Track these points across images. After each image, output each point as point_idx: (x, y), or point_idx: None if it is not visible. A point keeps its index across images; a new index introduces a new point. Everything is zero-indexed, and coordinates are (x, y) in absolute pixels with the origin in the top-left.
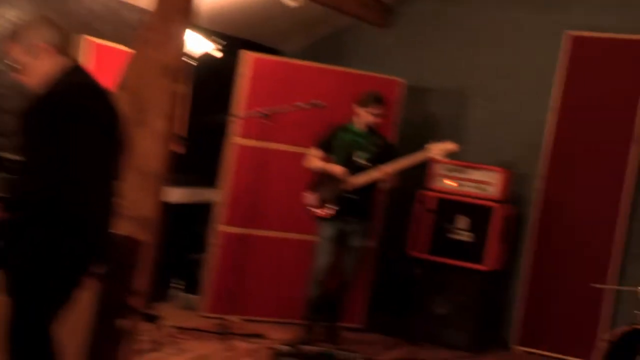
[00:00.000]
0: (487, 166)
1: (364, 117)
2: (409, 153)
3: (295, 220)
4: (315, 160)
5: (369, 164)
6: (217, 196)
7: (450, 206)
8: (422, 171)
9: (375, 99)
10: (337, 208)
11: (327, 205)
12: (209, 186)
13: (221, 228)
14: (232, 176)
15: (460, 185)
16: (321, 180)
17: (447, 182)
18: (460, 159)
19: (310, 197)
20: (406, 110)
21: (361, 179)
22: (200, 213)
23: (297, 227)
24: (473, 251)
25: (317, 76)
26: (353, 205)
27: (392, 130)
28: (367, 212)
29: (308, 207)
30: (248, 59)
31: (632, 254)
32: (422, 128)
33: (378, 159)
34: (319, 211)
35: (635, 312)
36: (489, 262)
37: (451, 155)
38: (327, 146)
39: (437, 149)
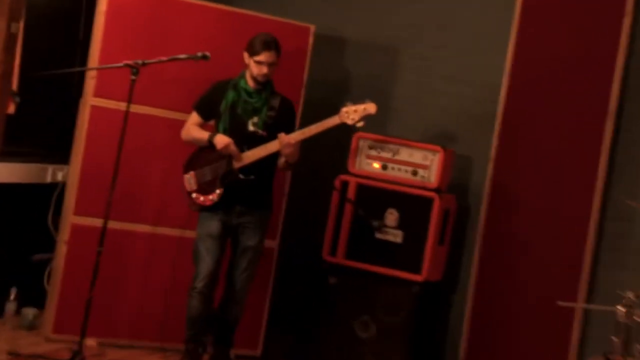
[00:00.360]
0: (421, 144)
1: (253, 69)
2: (318, 119)
3: (174, 210)
4: (193, 129)
5: (263, 133)
6: (65, 176)
7: (376, 196)
8: (341, 151)
9: (264, 44)
10: (221, 193)
11: (208, 189)
12: (54, 162)
13: (72, 219)
14: (87, 149)
15: (387, 168)
16: (201, 156)
17: (373, 164)
18: (388, 134)
19: (187, 179)
20: (317, 66)
21: (255, 153)
22: (42, 199)
23: (176, 220)
24: (405, 256)
25: (201, 18)
26: (245, 190)
27: (298, 89)
28: (264, 199)
29: (186, 193)
30: None
31: (604, 262)
32: (336, 89)
33: (276, 126)
34: (198, 198)
35: (612, 337)
36: (426, 270)
37: (376, 128)
38: (210, 110)
39: (353, 112)
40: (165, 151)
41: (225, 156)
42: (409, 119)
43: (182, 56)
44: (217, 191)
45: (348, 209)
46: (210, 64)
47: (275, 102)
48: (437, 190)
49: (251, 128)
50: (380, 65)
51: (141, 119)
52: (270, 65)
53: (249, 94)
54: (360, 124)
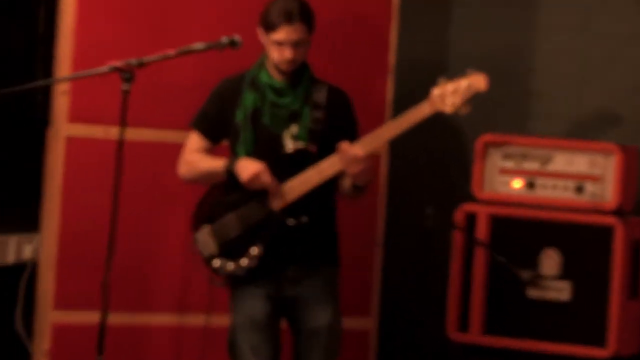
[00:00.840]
0: (587, 143)
1: (271, 52)
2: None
3: (197, 286)
4: (197, 158)
5: (312, 148)
6: (35, 250)
7: (522, 232)
8: (457, 164)
9: (284, 13)
10: (260, 253)
11: (237, 250)
12: (17, 231)
13: (52, 317)
14: (65, 205)
15: (534, 186)
16: (217, 198)
17: (512, 182)
18: (529, 132)
19: (201, 239)
20: (410, 39)
21: (304, 181)
22: (2, 288)
23: (202, 302)
24: (578, 320)
25: None
26: (296, 242)
27: (381, 76)
28: (328, 251)
29: (202, 261)
30: None
31: None
32: (442, 71)
33: (329, 133)
34: (223, 266)
35: None
36: (614, 339)
37: (510, 124)
38: (218, 125)
39: (451, 93)
40: (182, 195)
41: (256, 194)
42: (559, 108)
43: (199, 46)
44: (253, 251)
45: (480, 256)
46: (240, 58)
47: (321, 96)
48: (618, 212)
49: (290, 144)
50: (508, 26)
51: (143, 149)
52: (296, 45)
53: (277, 91)
54: (464, 110)
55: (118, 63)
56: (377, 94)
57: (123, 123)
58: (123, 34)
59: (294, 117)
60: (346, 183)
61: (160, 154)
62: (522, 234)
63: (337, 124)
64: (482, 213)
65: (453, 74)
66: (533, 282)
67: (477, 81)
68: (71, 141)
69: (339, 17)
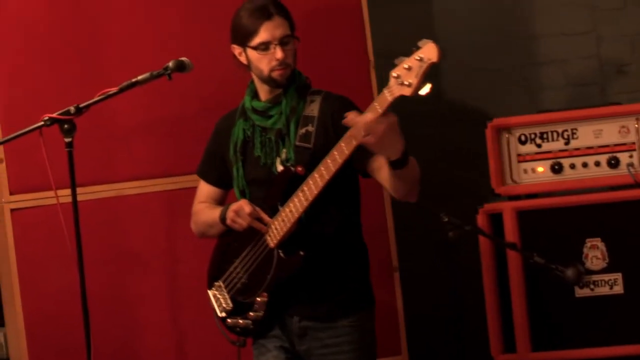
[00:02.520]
0: (615, 108)
1: (259, 64)
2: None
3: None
4: (202, 210)
5: (299, 169)
6: (2, 346)
7: (555, 223)
8: (466, 160)
9: (258, 10)
10: (265, 300)
11: (246, 301)
12: None
13: None
14: (26, 290)
15: (562, 169)
16: (225, 249)
17: (535, 168)
18: (543, 108)
19: (214, 297)
20: (387, 25)
21: (292, 206)
22: None
23: None
24: (637, 314)
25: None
26: (302, 283)
27: (362, 72)
28: (349, 288)
29: (219, 322)
30: None
31: None
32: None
33: (321, 148)
34: (237, 322)
35: None
36: None
37: (520, 105)
38: (219, 168)
39: (406, 73)
40: (150, 251)
41: (252, 234)
42: (573, 70)
43: (143, 76)
44: (259, 298)
45: (513, 260)
46: (206, 80)
47: (313, 108)
48: None
49: (280, 168)
50: None
51: (104, 208)
52: (283, 43)
53: (261, 112)
54: (425, 89)
55: (52, 114)
56: (361, 86)
57: (73, 181)
58: (51, 85)
59: (283, 139)
60: (383, 170)
61: (117, 210)
62: (556, 227)
63: (334, 134)
64: (507, 210)
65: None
66: (578, 280)
67: (428, 52)
68: (18, 216)
69: (310, 12)
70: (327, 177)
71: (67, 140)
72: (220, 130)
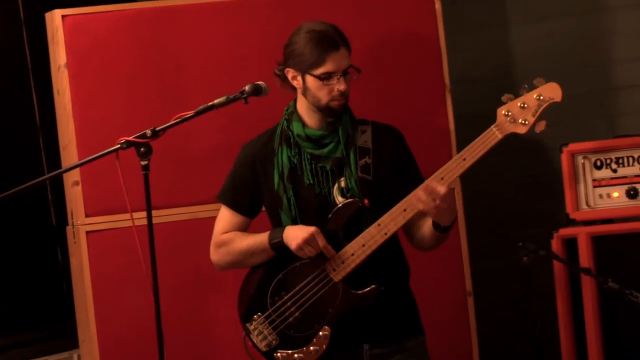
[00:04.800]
0: None
1: (318, 92)
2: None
3: None
4: (232, 238)
5: (364, 202)
6: None
7: (633, 249)
8: (538, 185)
9: (326, 40)
10: (328, 333)
11: (301, 335)
12: (50, 351)
13: None
14: (98, 309)
15: (636, 193)
16: (260, 282)
17: (611, 193)
18: (618, 132)
19: (255, 331)
20: (465, 46)
21: (365, 243)
22: None
23: None
24: None
25: (234, 24)
26: (371, 312)
27: (438, 97)
28: (410, 318)
29: (263, 355)
30: (56, 24)
31: None
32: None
33: (381, 179)
34: (288, 357)
35: None
36: None
37: (591, 130)
38: (248, 195)
39: (520, 111)
40: (225, 273)
41: (312, 266)
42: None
43: (218, 101)
44: (321, 332)
45: (587, 285)
46: (274, 103)
47: (366, 139)
48: None
49: (340, 198)
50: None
51: (180, 230)
52: (345, 74)
53: (315, 141)
54: (540, 127)
55: (130, 137)
56: (436, 111)
57: (149, 204)
58: (127, 108)
59: (339, 168)
60: (426, 229)
61: (192, 233)
62: (631, 252)
63: (392, 166)
64: (582, 235)
65: (519, 79)
66: None
67: (549, 91)
68: (93, 238)
69: (383, 35)
70: (409, 215)
71: (143, 163)
72: (253, 157)
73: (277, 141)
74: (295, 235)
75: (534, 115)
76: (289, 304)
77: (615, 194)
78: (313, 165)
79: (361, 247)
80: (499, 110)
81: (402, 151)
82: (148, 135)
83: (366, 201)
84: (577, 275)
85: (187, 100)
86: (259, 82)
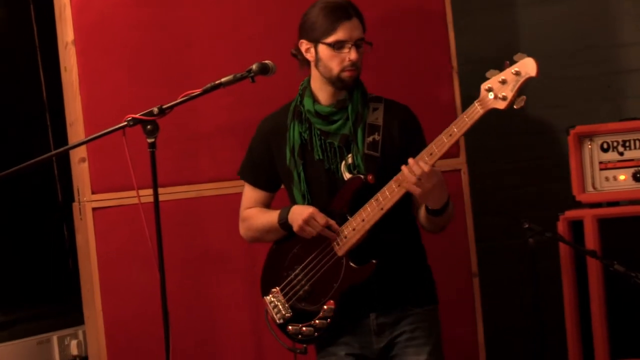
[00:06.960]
0: None
1: (329, 62)
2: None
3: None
4: (254, 214)
5: (369, 178)
6: (81, 345)
7: (638, 232)
8: (541, 167)
9: (338, 10)
10: (332, 307)
11: (309, 309)
12: (58, 327)
13: None
14: (104, 286)
15: None
16: (282, 255)
17: (617, 176)
18: (623, 115)
19: (271, 304)
20: (472, 30)
21: (365, 217)
22: None
23: None
24: None
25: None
26: (373, 286)
27: (445, 78)
28: (419, 287)
29: (277, 331)
30: (64, 1)
31: None
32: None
33: (389, 156)
34: (299, 330)
35: None
36: None
37: (596, 113)
38: (265, 171)
39: (500, 86)
40: (230, 251)
41: (321, 241)
42: None
43: (225, 80)
44: (326, 306)
45: (593, 267)
46: (281, 82)
47: (377, 116)
48: None
49: (347, 175)
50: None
51: (185, 208)
52: (358, 44)
53: (324, 117)
54: (520, 103)
55: (136, 115)
56: (443, 92)
57: (155, 181)
58: (134, 86)
59: (347, 144)
60: (422, 210)
61: (198, 211)
62: (637, 234)
63: (400, 145)
64: (588, 217)
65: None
66: None
67: (525, 66)
68: (99, 215)
69: (391, 15)
70: (403, 190)
71: (150, 140)
72: (268, 133)
73: (290, 117)
74: (296, 216)
75: (512, 91)
76: (300, 277)
77: (622, 177)
78: (322, 141)
79: (361, 221)
80: (482, 85)
81: (414, 131)
82: (155, 112)
83: (370, 177)
84: (582, 258)
85: (194, 78)
86: (266, 61)
